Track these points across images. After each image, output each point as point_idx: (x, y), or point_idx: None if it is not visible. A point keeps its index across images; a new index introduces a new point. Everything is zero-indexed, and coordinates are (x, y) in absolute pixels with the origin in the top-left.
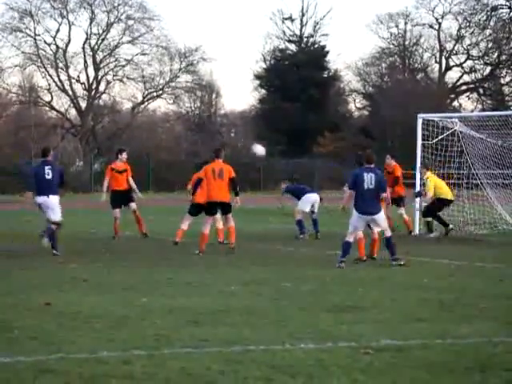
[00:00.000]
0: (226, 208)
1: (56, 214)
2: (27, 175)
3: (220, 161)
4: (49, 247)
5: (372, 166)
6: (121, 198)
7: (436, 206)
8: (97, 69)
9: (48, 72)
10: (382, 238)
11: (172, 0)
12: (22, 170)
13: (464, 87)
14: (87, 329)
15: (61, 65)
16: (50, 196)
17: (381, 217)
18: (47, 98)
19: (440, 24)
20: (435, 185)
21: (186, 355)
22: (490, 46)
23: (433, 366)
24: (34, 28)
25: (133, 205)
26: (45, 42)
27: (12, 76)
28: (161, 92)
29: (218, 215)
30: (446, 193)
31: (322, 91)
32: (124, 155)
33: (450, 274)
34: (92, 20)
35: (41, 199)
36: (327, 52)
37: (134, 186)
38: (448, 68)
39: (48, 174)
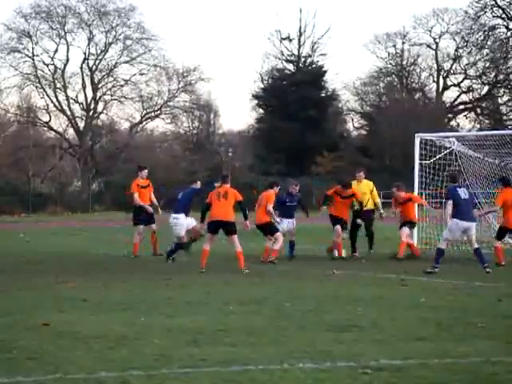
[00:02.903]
0: (228, 228)
1: None
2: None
3: (227, 186)
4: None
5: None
6: (145, 216)
7: None
8: (95, 89)
9: (46, 92)
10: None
11: (170, 20)
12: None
13: (462, 107)
14: (86, 349)
15: (59, 85)
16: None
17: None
18: (45, 118)
19: (437, 44)
20: None
21: (185, 375)
22: (487, 65)
23: None
24: (32, 48)
25: (153, 226)
26: (43, 62)
27: (10, 96)
28: (159, 112)
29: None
30: None
31: (320, 111)
32: (144, 172)
33: (449, 293)
34: (90, 40)
35: None
36: (325, 71)
37: (155, 202)
38: (446, 87)
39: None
